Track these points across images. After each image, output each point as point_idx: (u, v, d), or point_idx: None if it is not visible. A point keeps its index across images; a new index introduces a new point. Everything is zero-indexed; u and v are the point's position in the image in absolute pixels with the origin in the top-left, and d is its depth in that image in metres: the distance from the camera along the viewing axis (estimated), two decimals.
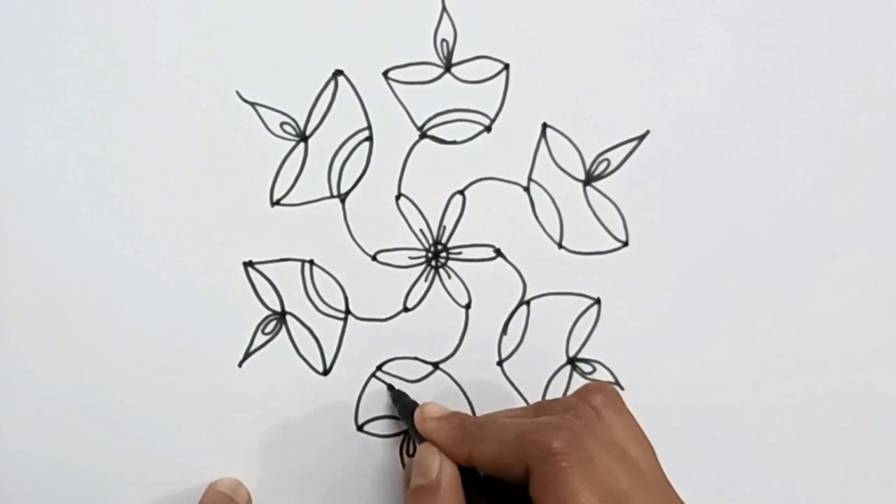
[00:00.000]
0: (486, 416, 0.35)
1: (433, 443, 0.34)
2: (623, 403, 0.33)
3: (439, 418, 0.34)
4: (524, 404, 0.39)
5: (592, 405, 0.32)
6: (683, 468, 0.39)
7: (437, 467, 0.33)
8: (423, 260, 0.39)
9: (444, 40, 0.38)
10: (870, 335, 0.40)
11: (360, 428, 0.39)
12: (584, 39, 0.39)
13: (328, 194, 0.39)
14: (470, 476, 0.33)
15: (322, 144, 0.39)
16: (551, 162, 0.39)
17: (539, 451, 0.30)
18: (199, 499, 0.38)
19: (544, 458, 0.29)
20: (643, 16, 0.39)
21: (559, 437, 0.30)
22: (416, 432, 0.35)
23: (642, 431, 0.33)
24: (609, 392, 0.33)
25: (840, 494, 0.40)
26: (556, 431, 0.30)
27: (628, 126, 0.39)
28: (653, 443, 0.35)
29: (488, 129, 0.39)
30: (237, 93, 0.38)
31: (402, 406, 0.37)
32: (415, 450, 0.39)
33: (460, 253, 0.39)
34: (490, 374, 0.39)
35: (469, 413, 0.39)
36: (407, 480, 0.37)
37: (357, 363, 0.39)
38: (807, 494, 0.40)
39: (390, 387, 0.39)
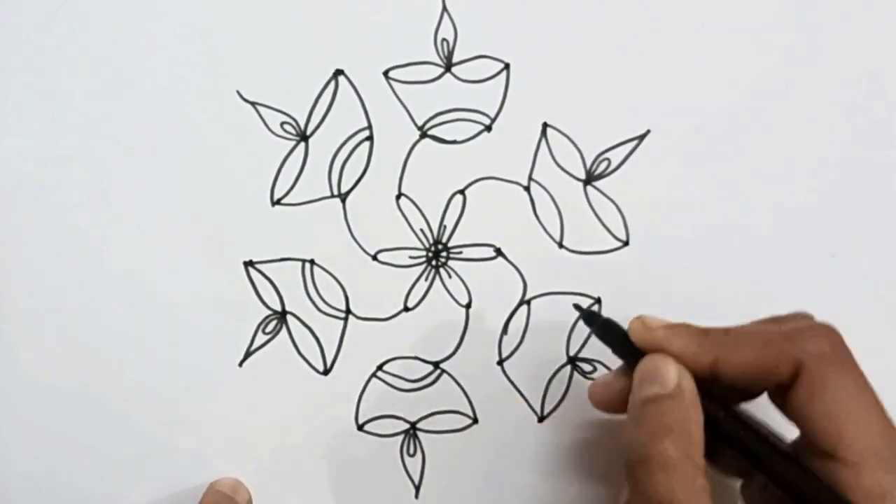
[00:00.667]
0: (723, 327, 0.33)
1: (667, 352, 0.31)
2: None
3: (670, 326, 0.32)
4: (525, 404, 0.39)
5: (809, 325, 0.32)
6: None
7: (677, 375, 0.31)
8: (423, 259, 0.39)
9: (444, 40, 0.38)
10: (869, 335, 0.40)
11: (360, 428, 0.39)
12: (584, 39, 0.39)
13: (328, 194, 0.39)
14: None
15: (322, 144, 0.39)
16: (552, 161, 0.39)
17: (817, 351, 0.29)
18: (199, 499, 0.38)
19: (820, 356, 0.29)
20: (644, 15, 0.39)
21: (833, 341, 0.30)
22: (630, 350, 0.32)
23: None
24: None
25: None
26: (830, 335, 0.30)
27: (629, 125, 0.39)
28: None
29: (489, 128, 0.39)
30: (238, 92, 0.38)
31: (602, 325, 0.34)
32: (416, 448, 0.39)
33: (461, 252, 0.39)
34: (490, 374, 0.39)
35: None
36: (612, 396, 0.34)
37: (358, 363, 0.39)
38: None
39: (577, 306, 0.36)
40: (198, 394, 0.39)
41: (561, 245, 0.39)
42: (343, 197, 0.39)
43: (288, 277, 0.39)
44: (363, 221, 0.39)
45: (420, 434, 0.39)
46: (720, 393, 0.32)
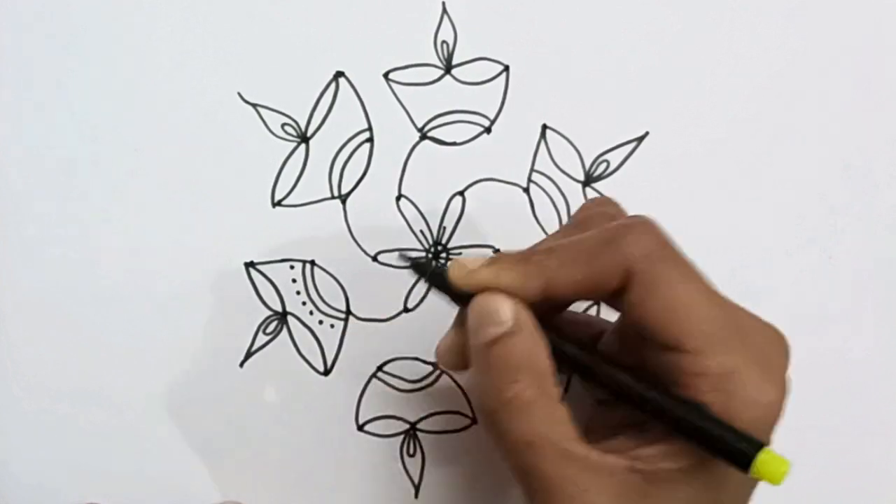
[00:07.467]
0: (537, 246, 0.32)
1: (495, 289, 0.30)
2: None
3: (488, 264, 0.30)
4: None
5: (623, 213, 0.33)
6: None
7: (512, 311, 0.29)
8: (423, 261, 0.39)
9: (444, 42, 0.39)
10: (868, 337, 0.40)
11: (360, 428, 0.39)
12: (583, 41, 0.39)
13: (329, 195, 0.39)
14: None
15: (323, 145, 0.39)
16: (551, 163, 0.39)
17: (642, 252, 0.29)
18: (199, 499, 0.38)
19: (646, 256, 0.29)
20: (643, 16, 0.39)
21: (650, 236, 0.29)
22: (457, 294, 0.31)
23: None
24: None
25: (838, 495, 0.40)
26: (646, 229, 0.29)
27: (627, 127, 0.39)
28: None
29: (488, 130, 0.39)
30: (239, 94, 0.38)
31: (432, 274, 0.32)
32: (415, 449, 0.39)
33: (460, 254, 0.39)
34: None
35: None
36: (453, 348, 0.32)
37: (358, 363, 0.39)
38: (806, 494, 0.40)
39: (401, 256, 0.36)
40: (198, 394, 0.39)
41: None
42: (343, 198, 0.39)
43: (288, 278, 0.39)
44: (363, 222, 0.39)
45: (420, 434, 0.40)
46: (557, 307, 0.31)
